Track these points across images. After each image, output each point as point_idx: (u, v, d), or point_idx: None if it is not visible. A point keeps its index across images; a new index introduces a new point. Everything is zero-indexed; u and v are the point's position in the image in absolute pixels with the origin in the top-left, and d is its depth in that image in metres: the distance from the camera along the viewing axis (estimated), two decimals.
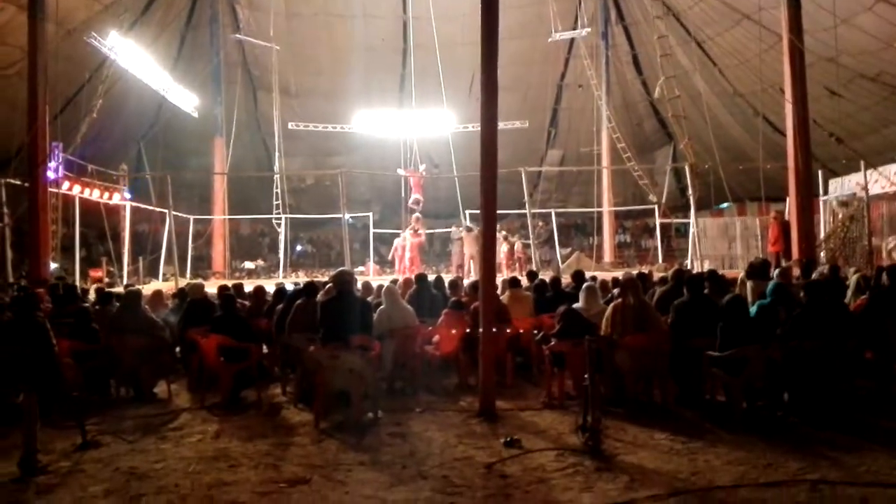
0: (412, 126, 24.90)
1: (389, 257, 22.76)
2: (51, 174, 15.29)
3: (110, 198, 19.26)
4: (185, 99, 23.47)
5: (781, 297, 7.38)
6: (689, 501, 4.49)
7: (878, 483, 4.64)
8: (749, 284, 9.43)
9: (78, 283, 14.53)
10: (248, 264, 26.03)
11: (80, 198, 17.61)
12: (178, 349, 8.95)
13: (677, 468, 5.14)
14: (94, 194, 18.32)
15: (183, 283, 14.88)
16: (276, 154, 25.44)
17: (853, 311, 7.58)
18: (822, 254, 15.72)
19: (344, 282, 7.36)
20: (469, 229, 19.06)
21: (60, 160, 16.08)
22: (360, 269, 22.61)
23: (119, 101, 20.78)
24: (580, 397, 6.10)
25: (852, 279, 9.37)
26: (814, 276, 9.46)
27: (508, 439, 5.80)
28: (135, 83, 20.64)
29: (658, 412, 6.72)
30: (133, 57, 19.71)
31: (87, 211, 18.37)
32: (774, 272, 9.51)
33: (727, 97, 23.78)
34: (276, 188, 24.45)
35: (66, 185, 16.67)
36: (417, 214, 21.88)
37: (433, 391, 7.92)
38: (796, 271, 11.68)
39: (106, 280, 18.35)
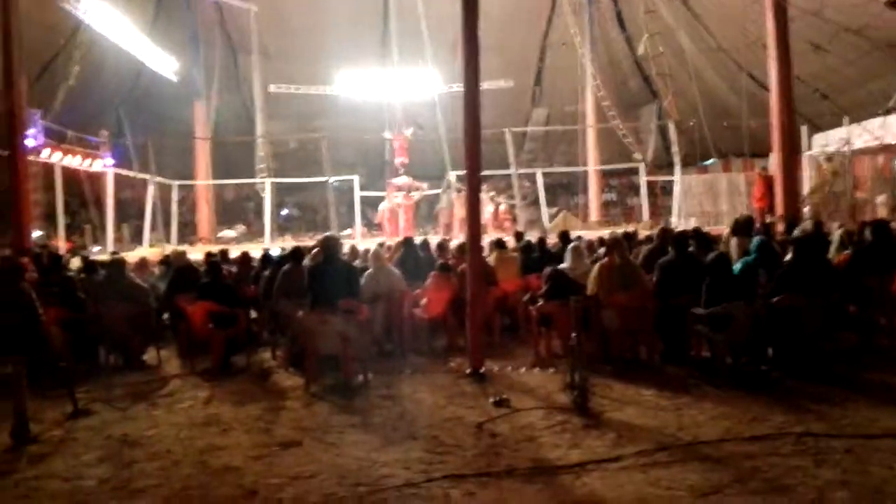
0: (396, 87, 24.60)
1: (376, 221, 22.66)
2: (30, 142, 15.05)
3: (91, 164, 19.01)
4: (164, 62, 22.97)
5: (765, 254, 7.44)
6: (676, 456, 4.56)
7: (862, 435, 4.72)
8: (734, 241, 9.48)
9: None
10: (229, 232, 24.91)
11: (62, 166, 17.38)
12: (165, 316, 8.94)
13: (663, 424, 5.22)
14: (76, 161, 18.07)
15: (169, 249, 14.82)
16: (258, 117, 25.10)
17: (836, 267, 7.65)
18: (806, 209, 15.81)
19: (330, 247, 7.35)
20: (460, 190, 18.98)
21: (40, 127, 15.83)
22: (347, 232, 22.53)
23: (96, 66, 20.34)
24: (567, 356, 6.16)
25: (836, 234, 9.45)
26: (796, 232, 9.53)
27: (497, 399, 5.86)
28: (111, 47, 20.21)
29: (644, 369, 6.80)
30: (108, 21, 19.25)
31: (69, 178, 18.13)
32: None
33: (711, 54, 23.62)
34: (260, 152, 24.20)
35: (46, 152, 16.42)
36: (407, 178, 21.74)
37: (422, 353, 7.97)
38: (780, 227, 11.76)
39: (89, 248, 18.18)
